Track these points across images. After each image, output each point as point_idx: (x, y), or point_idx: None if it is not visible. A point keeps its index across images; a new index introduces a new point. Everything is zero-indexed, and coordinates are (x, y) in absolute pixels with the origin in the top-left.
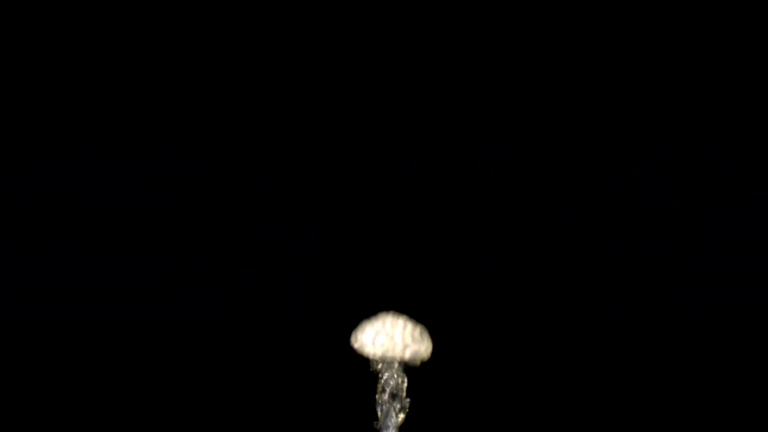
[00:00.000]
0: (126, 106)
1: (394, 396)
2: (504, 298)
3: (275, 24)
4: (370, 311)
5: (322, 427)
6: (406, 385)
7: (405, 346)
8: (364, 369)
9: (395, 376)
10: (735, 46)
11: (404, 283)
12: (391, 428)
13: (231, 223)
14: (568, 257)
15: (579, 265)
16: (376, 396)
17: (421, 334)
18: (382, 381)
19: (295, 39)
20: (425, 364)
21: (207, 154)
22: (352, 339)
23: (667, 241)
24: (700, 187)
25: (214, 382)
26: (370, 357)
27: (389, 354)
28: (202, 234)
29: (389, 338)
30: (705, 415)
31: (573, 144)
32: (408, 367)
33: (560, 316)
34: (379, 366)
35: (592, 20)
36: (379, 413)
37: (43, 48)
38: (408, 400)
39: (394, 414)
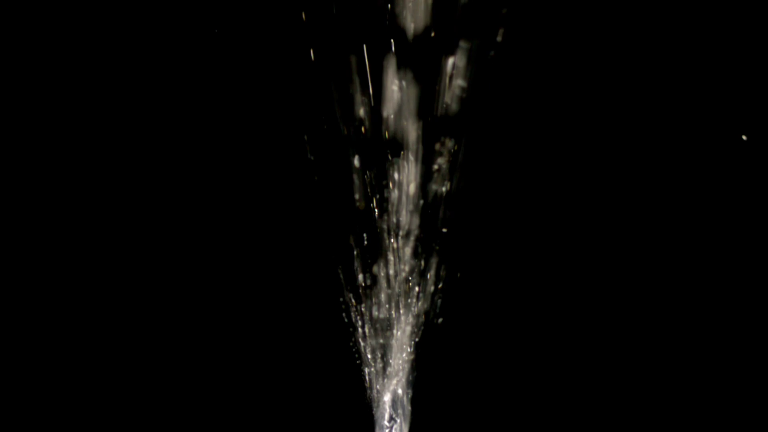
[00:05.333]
0: (125, 105)
1: None
2: (504, 298)
3: (277, 26)
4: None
5: (322, 427)
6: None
7: None
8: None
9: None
10: (735, 47)
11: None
12: None
13: (231, 222)
14: (568, 257)
15: (579, 265)
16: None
17: None
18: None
19: (295, 40)
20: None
21: (207, 153)
22: None
23: (667, 241)
24: (702, 187)
25: (215, 382)
26: None
27: None
28: (204, 234)
29: None
30: (705, 414)
31: (573, 144)
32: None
33: (560, 316)
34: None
35: (593, 21)
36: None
37: (43, 48)
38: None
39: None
